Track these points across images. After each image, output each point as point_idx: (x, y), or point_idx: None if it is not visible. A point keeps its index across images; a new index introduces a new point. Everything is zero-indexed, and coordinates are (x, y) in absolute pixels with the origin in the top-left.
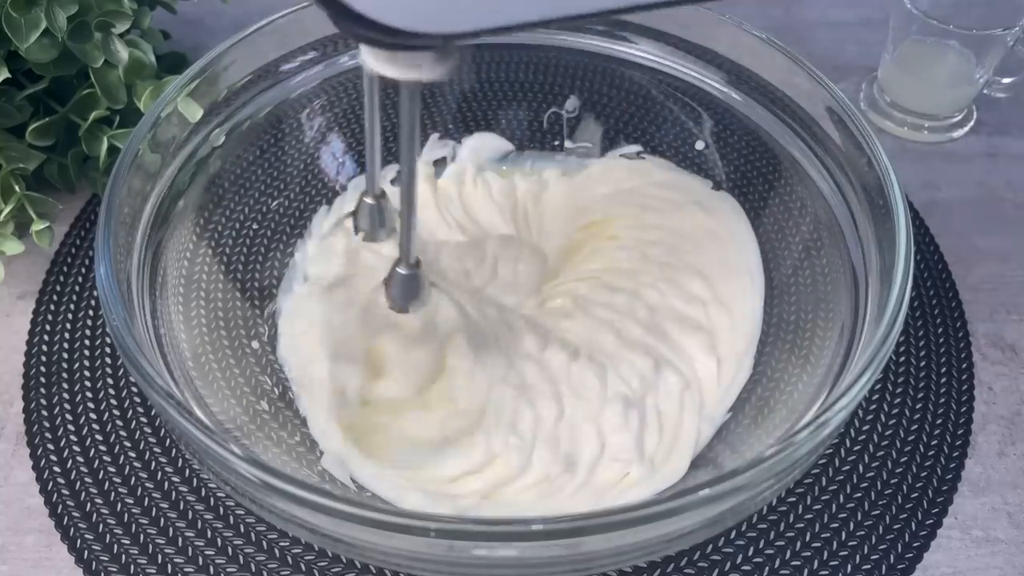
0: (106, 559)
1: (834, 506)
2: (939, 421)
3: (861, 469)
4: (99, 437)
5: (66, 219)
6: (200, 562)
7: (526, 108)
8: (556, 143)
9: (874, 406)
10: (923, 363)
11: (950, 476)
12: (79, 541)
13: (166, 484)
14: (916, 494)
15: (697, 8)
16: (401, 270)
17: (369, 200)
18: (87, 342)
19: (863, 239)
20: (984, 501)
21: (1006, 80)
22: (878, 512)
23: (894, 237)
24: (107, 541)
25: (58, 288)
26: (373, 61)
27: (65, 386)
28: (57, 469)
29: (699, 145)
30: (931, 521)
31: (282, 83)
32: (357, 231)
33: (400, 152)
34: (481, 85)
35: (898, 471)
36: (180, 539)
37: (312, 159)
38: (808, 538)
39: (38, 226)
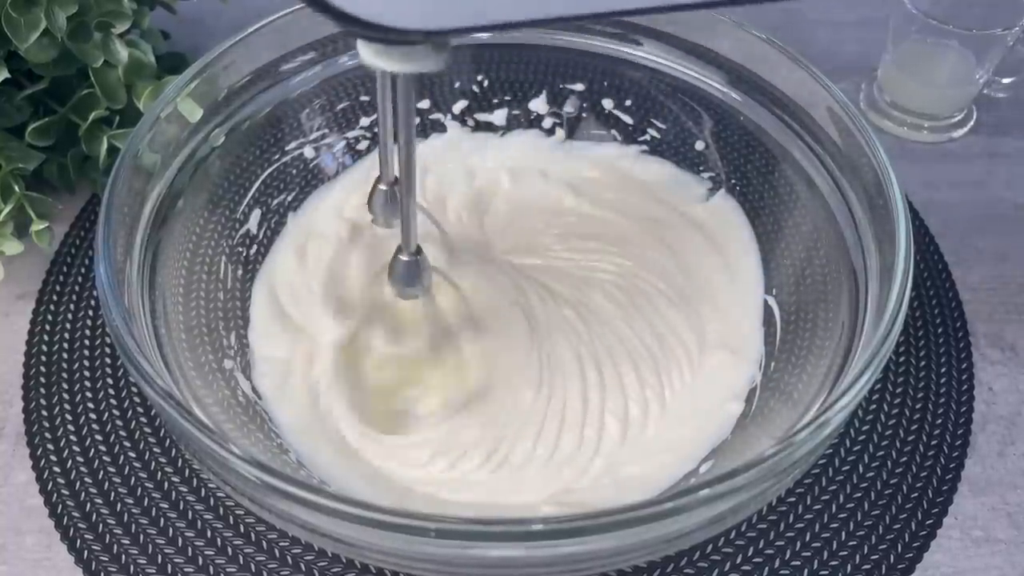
0: (106, 559)
1: (834, 506)
2: (939, 421)
3: (861, 469)
4: (99, 437)
5: (66, 219)
6: (200, 562)
7: (526, 108)
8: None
9: (874, 406)
10: (923, 363)
11: (950, 476)
12: (79, 541)
13: (166, 484)
14: (916, 494)
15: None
16: (403, 257)
17: (383, 187)
18: (87, 342)
19: (863, 239)
20: (984, 501)
21: (1006, 80)
22: (878, 512)
23: (894, 237)
24: (107, 541)
25: (58, 288)
26: (368, 55)
27: (65, 386)
28: (57, 469)
29: (699, 145)
30: (931, 521)
31: (282, 83)
32: (373, 218)
33: (400, 140)
34: (481, 85)
35: (898, 471)
36: (180, 539)
37: (312, 159)
38: (808, 538)
39: (38, 226)
